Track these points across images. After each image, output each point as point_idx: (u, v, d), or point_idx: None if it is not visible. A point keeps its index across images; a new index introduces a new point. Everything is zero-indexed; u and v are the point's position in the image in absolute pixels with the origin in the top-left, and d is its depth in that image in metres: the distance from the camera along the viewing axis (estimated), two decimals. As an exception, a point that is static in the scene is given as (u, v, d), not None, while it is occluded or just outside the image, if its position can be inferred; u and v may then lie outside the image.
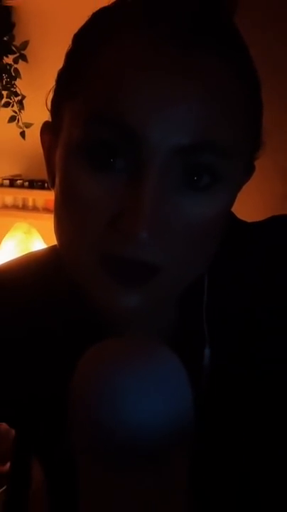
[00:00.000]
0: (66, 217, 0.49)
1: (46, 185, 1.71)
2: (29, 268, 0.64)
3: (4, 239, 1.73)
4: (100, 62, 0.47)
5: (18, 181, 1.77)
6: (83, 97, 0.47)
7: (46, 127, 0.56)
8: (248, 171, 0.54)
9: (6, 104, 1.71)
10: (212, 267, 0.56)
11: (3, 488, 0.83)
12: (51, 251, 0.64)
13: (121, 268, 0.45)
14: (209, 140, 0.45)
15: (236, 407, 0.58)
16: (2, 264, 0.66)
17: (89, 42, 0.50)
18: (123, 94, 0.44)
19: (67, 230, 0.49)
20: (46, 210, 1.77)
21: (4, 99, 1.71)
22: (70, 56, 0.52)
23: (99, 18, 0.52)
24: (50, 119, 0.55)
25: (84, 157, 0.46)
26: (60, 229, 0.50)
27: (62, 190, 0.49)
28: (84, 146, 0.46)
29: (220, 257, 0.54)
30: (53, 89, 0.53)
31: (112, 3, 0.52)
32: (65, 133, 0.49)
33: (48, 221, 1.92)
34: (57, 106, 0.52)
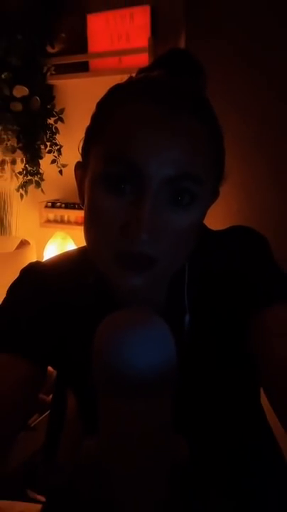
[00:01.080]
0: (91, 226, 0.50)
1: (76, 206, 1.71)
2: (65, 261, 0.65)
3: (48, 243, 1.73)
4: (114, 121, 0.48)
5: (58, 204, 1.77)
6: (103, 145, 0.48)
7: (78, 165, 0.56)
8: (215, 195, 0.55)
9: (49, 151, 1.71)
10: (191, 259, 0.56)
11: (48, 412, 0.83)
12: (80, 250, 0.66)
13: (129, 259, 0.46)
14: (188, 172, 0.46)
15: (207, 358, 0.58)
16: (48, 259, 0.68)
17: (107, 108, 0.51)
18: (130, 143, 0.45)
19: (92, 234, 0.50)
20: (76, 223, 1.76)
21: (48, 148, 1.71)
22: (94, 118, 0.53)
23: (113, 91, 0.52)
24: (80, 160, 0.56)
25: (104, 185, 0.47)
26: (88, 234, 0.51)
27: (89, 207, 0.50)
28: (103, 177, 0.47)
29: (197, 253, 0.55)
30: (82, 140, 0.54)
31: (123, 82, 0.53)
32: (91, 169, 0.50)
33: (78, 231, 1.92)
34: (86, 151, 0.53)
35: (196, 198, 0.47)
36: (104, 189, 0.47)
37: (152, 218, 0.44)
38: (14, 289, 0.62)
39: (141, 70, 0.55)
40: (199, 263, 0.58)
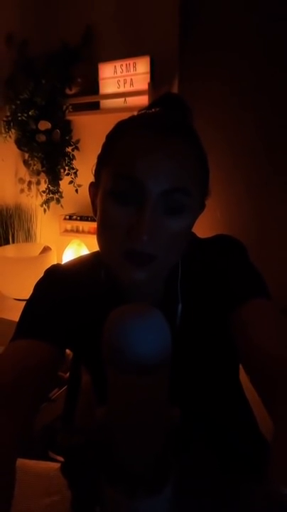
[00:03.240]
0: (103, 231, 0.50)
1: (89, 218, 1.71)
2: (80, 263, 0.65)
3: (66, 248, 1.73)
4: (119, 148, 0.49)
5: (74, 216, 1.76)
6: (111, 167, 0.49)
7: (91, 184, 0.57)
8: (202, 207, 0.55)
9: (67, 174, 1.70)
10: (183, 260, 0.57)
11: (65, 387, 0.83)
12: (92, 254, 0.66)
13: (134, 257, 0.47)
14: (179, 187, 0.47)
15: (196, 341, 0.58)
16: (66, 262, 0.68)
17: (114, 138, 0.52)
18: (133, 165, 0.46)
19: (104, 238, 0.51)
20: (89, 232, 1.75)
21: (66, 171, 1.70)
22: (104, 146, 0.54)
23: (118, 125, 0.53)
24: (93, 181, 0.56)
25: (113, 198, 0.48)
26: (100, 238, 0.51)
27: (101, 217, 0.50)
28: (112, 193, 0.48)
29: (188, 255, 0.56)
30: (95, 164, 0.55)
31: (126, 118, 0.54)
32: (101, 187, 0.51)
33: (91, 239, 1.92)
34: (98, 172, 0.54)
35: (186, 207, 0.48)
36: (113, 202, 0.48)
37: (151, 223, 0.45)
38: (39, 286, 0.63)
39: (141, 110, 0.56)
40: (190, 263, 0.58)
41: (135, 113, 0.55)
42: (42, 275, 0.64)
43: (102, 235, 0.51)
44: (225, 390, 0.63)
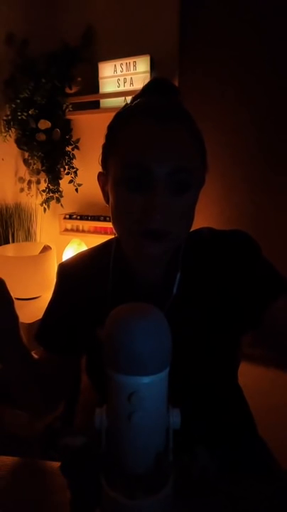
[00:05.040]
0: (119, 215, 0.53)
1: (89, 217, 1.70)
2: (83, 257, 0.69)
3: (66, 248, 1.73)
4: (123, 137, 0.52)
5: (74, 216, 1.75)
6: (118, 155, 0.52)
7: (100, 174, 0.59)
8: (202, 182, 0.57)
9: (67, 173, 1.70)
10: (192, 237, 0.60)
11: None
12: (91, 248, 0.69)
13: (149, 234, 0.50)
14: (183, 167, 0.50)
15: (193, 315, 0.58)
16: (69, 258, 0.71)
17: (116, 126, 0.55)
18: (139, 152, 0.49)
19: (121, 221, 0.53)
20: (89, 231, 1.75)
21: (66, 170, 1.70)
22: (107, 137, 0.56)
23: (119, 115, 0.56)
24: (101, 171, 0.59)
25: (123, 185, 0.51)
26: (117, 222, 0.54)
27: (115, 203, 0.53)
28: (123, 180, 0.51)
29: (199, 235, 0.61)
30: (101, 153, 0.57)
31: (123, 107, 0.56)
32: (111, 175, 0.53)
33: (90, 238, 1.91)
34: (104, 162, 0.56)
35: (191, 185, 0.51)
36: (124, 189, 0.51)
37: (162, 204, 0.48)
38: (54, 289, 0.67)
39: (134, 97, 0.58)
40: (199, 242, 0.60)
41: (128, 102, 0.57)
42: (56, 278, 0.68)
43: (118, 219, 0.54)
44: (223, 388, 0.62)
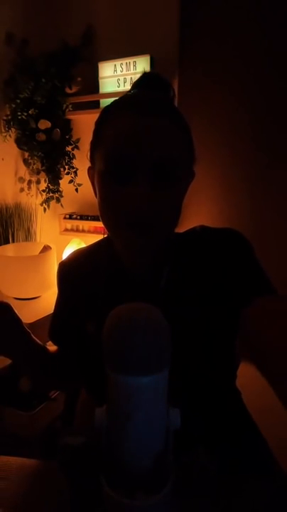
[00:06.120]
0: (107, 208, 0.53)
1: (89, 217, 1.71)
2: (80, 254, 0.69)
3: (66, 247, 1.73)
4: (106, 130, 0.52)
5: (74, 216, 1.76)
6: (102, 149, 0.52)
7: (89, 168, 0.60)
8: (191, 175, 0.57)
9: (67, 173, 1.70)
10: (183, 233, 0.60)
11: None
12: (89, 246, 0.70)
13: (136, 226, 0.50)
14: (167, 158, 0.49)
15: (181, 308, 0.57)
16: (67, 256, 0.71)
17: (101, 122, 0.55)
18: (120, 143, 0.49)
19: (108, 213, 0.53)
20: (89, 231, 1.75)
21: (66, 170, 1.70)
22: (94, 132, 0.56)
23: (104, 109, 0.55)
24: (90, 166, 0.59)
25: (107, 178, 0.51)
26: (104, 215, 0.54)
27: (101, 196, 0.53)
28: (106, 173, 0.51)
29: (191, 231, 0.60)
30: (89, 149, 0.58)
31: (110, 103, 0.55)
32: (97, 169, 0.53)
33: (90, 237, 1.91)
34: (92, 156, 0.57)
35: (176, 178, 0.51)
36: (109, 181, 0.50)
37: (146, 195, 0.48)
38: (58, 290, 0.69)
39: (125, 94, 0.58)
40: (189, 236, 0.60)
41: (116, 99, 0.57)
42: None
43: (106, 212, 0.53)
44: (223, 387, 0.62)
